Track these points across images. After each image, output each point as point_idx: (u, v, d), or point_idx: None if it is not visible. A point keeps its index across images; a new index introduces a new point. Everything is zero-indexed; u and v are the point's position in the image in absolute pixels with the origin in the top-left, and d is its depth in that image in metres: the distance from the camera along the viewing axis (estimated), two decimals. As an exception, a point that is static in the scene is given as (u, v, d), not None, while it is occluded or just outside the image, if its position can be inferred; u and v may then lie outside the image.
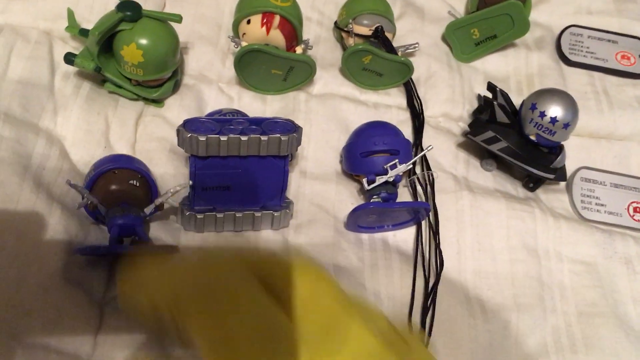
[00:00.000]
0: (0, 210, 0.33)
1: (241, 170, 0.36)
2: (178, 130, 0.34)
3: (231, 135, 0.34)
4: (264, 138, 0.34)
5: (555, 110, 0.40)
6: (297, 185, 0.40)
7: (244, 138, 0.34)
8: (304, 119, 0.43)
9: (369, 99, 0.46)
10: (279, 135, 0.34)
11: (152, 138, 0.40)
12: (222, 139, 0.34)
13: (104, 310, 0.33)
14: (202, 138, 0.33)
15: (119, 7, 0.38)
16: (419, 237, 0.39)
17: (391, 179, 0.38)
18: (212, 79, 0.44)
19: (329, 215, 0.40)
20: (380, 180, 0.38)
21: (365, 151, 0.39)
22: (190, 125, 0.34)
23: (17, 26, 0.41)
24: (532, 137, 0.42)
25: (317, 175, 0.41)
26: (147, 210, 0.35)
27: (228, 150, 0.34)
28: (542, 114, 0.40)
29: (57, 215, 0.34)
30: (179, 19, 0.39)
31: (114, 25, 0.37)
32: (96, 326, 0.32)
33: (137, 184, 0.35)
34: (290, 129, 0.35)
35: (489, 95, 0.44)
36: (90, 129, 0.39)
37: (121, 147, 0.39)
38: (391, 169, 0.38)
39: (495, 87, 0.43)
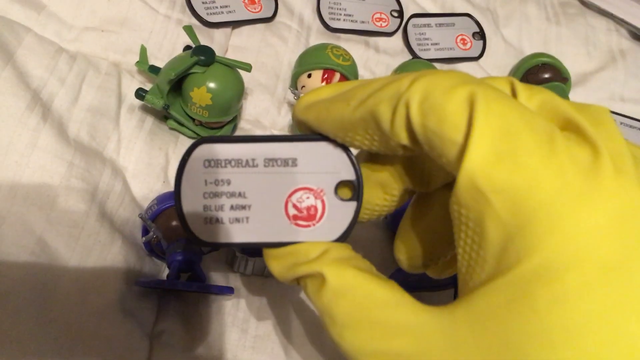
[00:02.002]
0: (66, 235, 0.34)
1: None
2: None
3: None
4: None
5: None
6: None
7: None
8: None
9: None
10: None
11: (207, 177, 0.41)
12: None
13: (152, 344, 0.34)
14: None
15: (195, 52, 0.39)
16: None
17: None
18: (267, 125, 0.46)
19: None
20: None
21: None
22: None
23: (89, 56, 0.43)
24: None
25: (359, 227, 0.42)
26: (205, 248, 0.36)
27: None
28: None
29: (118, 245, 0.35)
30: (249, 67, 0.41)
31: (189, 67, 0.39)
32: (145, 359, 0.33)
33: (198, 223, 0.36)
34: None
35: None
36: (151, 162, 0.40)
37: (178, 183, 0.40)
38: None
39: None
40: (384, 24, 0.54)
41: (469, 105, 0.17)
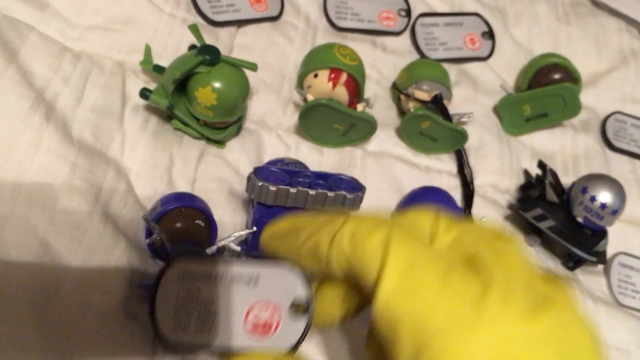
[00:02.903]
0: (69, 237, 0.33)
1: None
2: (249, 177, 0.35)
3: (300, 188, 0.35)
4: (330, 194, 0.35)
5: (605, 197, 0.42)
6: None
7: (312, 192, 0.35)
8: (359, 175, 0.44)
9: (421, 162, 0.47)
10: (345, 192, 0.35)
11: (212, 178, 0.41)
12: (291, 190, 0.34)
13: (156, 347, 0.33)
14: (273, 188, 0.34)
15: (200, 51, 0.39)
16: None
17: None
18: (272, 126, 0.45)
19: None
20: None
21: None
22: (261, 173, 0.35)
23: (93, 55, 0.42)
24: (579, 219, 0.43)
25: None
26: (209, 251, 0.35)
27: (294, 202, 0.35)
28: (593, 198, 0.41)
29: (121, 247, 0.35)
30: (254, 67, 0.40)
31: (194, 67, 0.39)
32: (148, 363, 0.32)
33: (202, 224, 0.35)
34: (356, 187, 0.36)
35: (537, 171, 0.45)
36: (155, 163, 0.40)
37: (182, 185, 0.40)
38: None
39: (546, 165, 0.45)
40: (391, 24, 0.54)
41: (383, 247, 0.22)
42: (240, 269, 0.28)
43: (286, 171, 0.36)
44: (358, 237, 0.23)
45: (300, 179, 0.35)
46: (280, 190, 0.34)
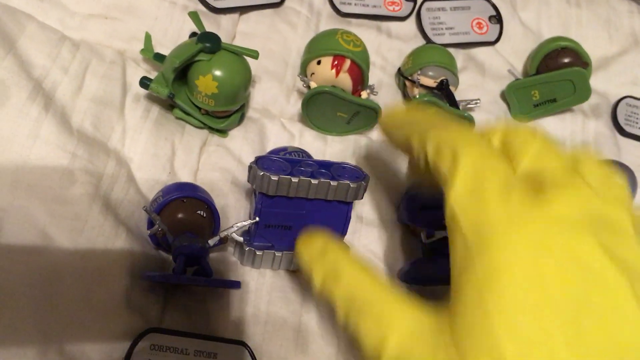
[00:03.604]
0: (69, 228, 0.33)
1: (304, 212, 0.36)
2: (250, 167, 0.34)
3: (302, 178, 0.34)
4: (333, 183, 0.34)
5: (616, 183, 0.40)
6: (353, 230, 0.40)
7: (314, 181, 0.34)
8: (364, 163, 0.43)
9: (426, 150, 0.46)
10: (348, 182, 0.35)
11: (214, 168, 0.40)
12: (293, 180, 0.34)
13: (158, 339, 0.33)
14: (275, 177, 0.33)
15: (200, 38, 0.38)
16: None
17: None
18: (275, 114, 0.45)
19: (383, 264, 0.40)
20: (439, 235, 0.38)
21: (428, 205, 0.39)
22: (262, 163, 0.34)
23: (92, 44, 0.42)
24: (590, 206, 0.42)
25: (373, 221, 0.41)
26: (212, 242, 0.35)
27: (297, 192, 0.34)
28: (603, 185, 0.40)
29: (122, 238, 0.34)
30: (256, 54, 0.40)
31: (194, 55, 0.38)
32: (151, 355, 0.32)
33: (204, 215, 0.35)
34: (359, 176, 0.35)
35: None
36: (157, 153, 0.39)
37: (184, 175, 0.39)
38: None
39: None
40: (396, 8, 0.53)
41: (454, 154, 0.25)
42: (202, 344, 0.32)
43: (288, 160, 0.35)
44: (441, 146, 0.26)
45: (302, 168, 0.35)
46: (281, 180, 0.34)
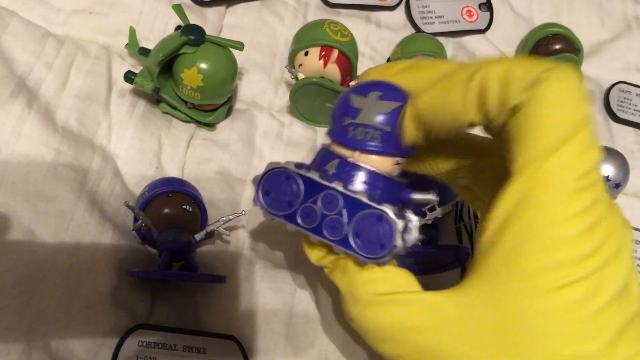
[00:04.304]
0: (54, 225, 0.33)
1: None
2: (257, 185, 0.29)
3: (302, 226, 0.27)
4: (337, 248, 0.27)
5: (608, 170, 0.40)
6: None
7: (314, 237, 0.27)
8: (353, 154, 0.43)
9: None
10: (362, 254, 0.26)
11: (201, 161, 0.40)
12: (288, 226, 0.28)
13: (146, 335, 0.33)
14: (269, 217, 0.28)
15: (184, 31, 0.38)
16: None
17: (430, 222, 0.38)
18: (264, 106, 0.44)
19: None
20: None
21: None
22: (269, 182, 0.28)
23: (77, 39, 0.41)
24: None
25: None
26: (198, 236, 0.34)
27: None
28: (595, 171, 0.40)
29: (109, 234, 0.34)
30: (240, 46, 0.39)
31: (178, 48, 0.37)
32: (138, 351, 0.32)
33: (190, 209, 0.35)
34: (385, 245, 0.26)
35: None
36: (143, 148, 0.39)
37: (171, 169, 0.39)
38: (429, 212, 0.36)
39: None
40: (385, -2, 0.52)
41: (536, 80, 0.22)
42: (191, 339, 0.32)
43: (306, 182, 0.27)
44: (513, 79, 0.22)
45: (314, 206, 0.27)
46: (280, 222, 0.28)
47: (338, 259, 0.27)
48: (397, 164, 0.27)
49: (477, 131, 0.27)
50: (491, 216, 0.23)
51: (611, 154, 0.41)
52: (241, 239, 0.37)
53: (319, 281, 0.37)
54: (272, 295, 0.36)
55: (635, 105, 0.51)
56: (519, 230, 0.22)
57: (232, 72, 0.40)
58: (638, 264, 0.44)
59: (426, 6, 0.53)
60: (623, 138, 0.50)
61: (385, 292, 0.25)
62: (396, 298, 0.25)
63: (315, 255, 0.29)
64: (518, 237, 0.22)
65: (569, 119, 0.22)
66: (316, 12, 0.50)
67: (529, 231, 0.22)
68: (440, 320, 0.24)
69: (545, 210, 0.22)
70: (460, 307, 0.24)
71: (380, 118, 0.26)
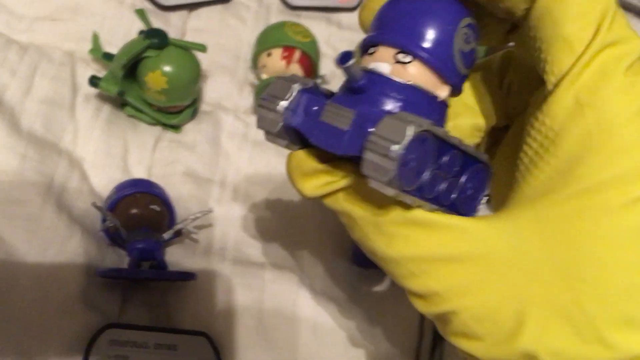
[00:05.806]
0: (22, 229, 0.33)
1: None
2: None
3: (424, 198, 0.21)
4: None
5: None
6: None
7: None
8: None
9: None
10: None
11: (168, 163, 0.41)
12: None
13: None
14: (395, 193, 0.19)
15: (147, 35, 0.38)
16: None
17: None
18: (229, 108, 0.45)
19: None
20: None
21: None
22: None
23: (41, 46, 0.42)
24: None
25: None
26: (167, 235, 0.35)
27: None
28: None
29: (77, 237, 0.34)
30: (203, 48, 0.40)
31: (141, 51, 0.38)
32: (110, 350, 0.32)
33: (158, 209, 0.35)
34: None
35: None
36: (109, 151, 0.39)
37: (139, 171, 0.40)
38: None
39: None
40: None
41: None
42: (162, 336, 0.32)
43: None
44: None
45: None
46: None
47: (349, 185, 0.21)
48: None
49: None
50: (532, 129, 0.20)
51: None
52: (210, 237, 0.38)
53: (288, 276, 0.38)
54: (242, 291, 0.37)
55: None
56: (576, 139, 0.19)
57: (195, 74, 0.40)
58: None
59: (386, 6, 0.54)
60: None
61: (418, 218, 0.20)
62: (432, 223, 0.20)
63: (311, 184, 0.22)
64: (575, 147, 0.19)
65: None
66: (278, 15, 0.51)
67: (589, 139, 0.19)
68: (486, 251, 0.20)
69: (604, 113, 0.19)
70: (508, 235, 0.20)
71: None
